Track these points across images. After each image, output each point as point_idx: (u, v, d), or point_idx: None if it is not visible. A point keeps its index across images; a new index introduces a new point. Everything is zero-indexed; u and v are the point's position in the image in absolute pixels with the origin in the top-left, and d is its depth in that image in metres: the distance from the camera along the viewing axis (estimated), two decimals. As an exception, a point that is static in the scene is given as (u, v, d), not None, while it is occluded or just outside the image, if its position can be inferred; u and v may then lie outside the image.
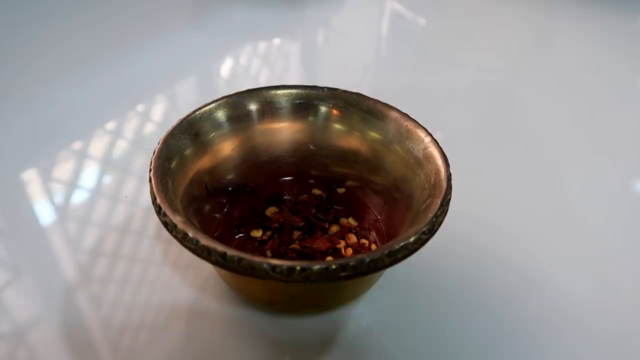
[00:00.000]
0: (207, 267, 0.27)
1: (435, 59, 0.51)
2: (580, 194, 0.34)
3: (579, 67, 0.50)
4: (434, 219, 0.21)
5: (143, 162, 0.35)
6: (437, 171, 0.23)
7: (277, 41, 0.53)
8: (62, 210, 0.31)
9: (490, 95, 0.45)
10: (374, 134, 0.27)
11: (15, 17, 0.51)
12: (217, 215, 0.27)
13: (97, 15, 0.54)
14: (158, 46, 0.49)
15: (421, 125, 0.26)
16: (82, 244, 0.29)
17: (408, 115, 0.26)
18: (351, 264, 0.19)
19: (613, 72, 0.50)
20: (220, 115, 0.27)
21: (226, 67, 0.49)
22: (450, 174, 0.23)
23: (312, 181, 0.29)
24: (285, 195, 0.29)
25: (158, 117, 0.40)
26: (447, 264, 0.28)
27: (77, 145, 0.36)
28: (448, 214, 0.22)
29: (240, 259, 0.19)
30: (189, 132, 0.26)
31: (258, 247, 0.26)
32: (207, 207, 0.26)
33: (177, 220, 0.20)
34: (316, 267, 0.19)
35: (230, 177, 0.28)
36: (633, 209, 0.33)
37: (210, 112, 0.27)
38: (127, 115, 0.40)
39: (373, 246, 0.26)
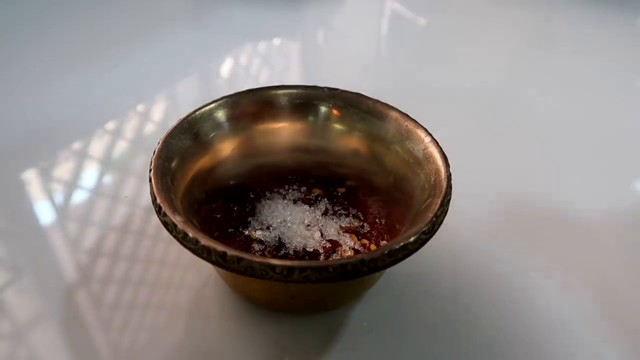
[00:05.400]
0: (207, 267, 0.27)
1: (435, 59, 0.51)
2: (580, 195, 0.34)
3: (579, 66, 0.50)
4: (434, 219, 0.21)
5: (143, 162, 0.35)
6: (437, 171, 0.23)
7: (277, 41, 0.53)
8: (62, 210, 0.31)
9: (490, 95, 0.45)
10: (374, 134, 0.27)
11: (14, 17, 0.51)
12: (217, 215, 0.27)
13: (97, 14, 0.54)
14: (158, 46, 0.49)
15: (421, 125, 0.26)
16: (82, 244, 0.29)
17: (408, 115, 0.26)
18: (351, 264, 0.19)
19: (613, 72, 0.50)
20: (220, 115, 0.27)
21: (226, 67, 0.49)
22: (450, 174, 0.23)
23: (312, 181, 0.29)
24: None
25: (158, 117, 0.40)
26: (446, 264, 0.28)
27: (77, 145, 0.36)
28: (448, 214, 0.22)
29: (240, 259, 0.19)
30: (189, 132, 0.26)
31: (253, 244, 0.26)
32: (207, 207, 0.26)
33: (177, 220, 0.20)
34: (316, 267, 0.19)
35: (230, 177, 0.28)
36: (633, 211, 0.33)
37: (210, 112, 0.27)
38: (127, 115, 0.40)
39: (373, 246, 0.26)
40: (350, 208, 0.28)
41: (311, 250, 0.26)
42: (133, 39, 0.50)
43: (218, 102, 0.27)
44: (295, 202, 0.28)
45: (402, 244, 0.20)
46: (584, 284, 0.28)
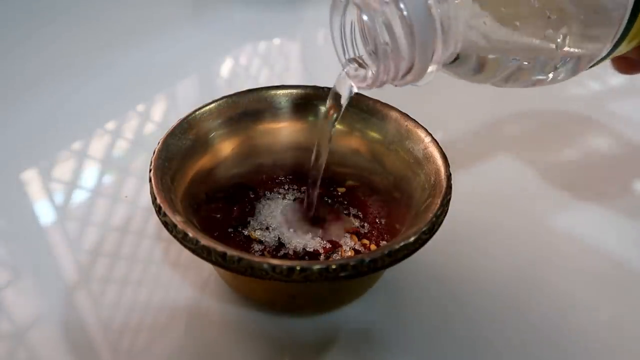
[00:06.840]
0: (207, 267, 0.27)
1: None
2: (581, 194, 0.34)
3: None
4: (434, 219, 0.21)
5: (143, 162, 0.35)
6: (437, 171, 0.23)
7: (277, 41, 0.53)
8: (62, 210, 0.31)
9: (490, 94, 0.45)
10: (374, 134, 0.27)
11: (14, 16, 0.51)
12: (217, 215, 0.27)
13: (96, 14, 0.53)
14: (158, 46, 0.49)
15: (421, 125, 0.26)
16: (82, 244, 0.29)
17: (408, 115, 0.26)
18: (351, 264, 0.19)
19: (613, 72, 0.50)
20: (220, 115, 0.27)
21: (226, 67, 0.49)
22: (450, 174, 0.23)
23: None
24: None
25: (158, 117, 0.40)
26: (447, 264, 0.28)
27: (77, 145, 0.36)
28: (448, 214, 0.22)
29: (240, 259, 0.19)
30: (189, 132, 0.26)
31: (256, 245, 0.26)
32: (207, 207, 0.26)
33: (177, 220, 0.20)
34: (316, 267, 0.19)
35: (230, 177, 0.28)
36: (634, 210, 0.33)
37: (210, 112, 0.27)
38: (127, 115, 0.40)
39: (373, 246, 0.26)
40: (350, 208, 0.28)
41: (311, 250, 0.26)
42: (133, 39, 0.50)
43: (218, 102, 0.27)
44: (295, 202, 0.28)
45: (402, 244, 0.20)
46: (586, 285, 0.28)
